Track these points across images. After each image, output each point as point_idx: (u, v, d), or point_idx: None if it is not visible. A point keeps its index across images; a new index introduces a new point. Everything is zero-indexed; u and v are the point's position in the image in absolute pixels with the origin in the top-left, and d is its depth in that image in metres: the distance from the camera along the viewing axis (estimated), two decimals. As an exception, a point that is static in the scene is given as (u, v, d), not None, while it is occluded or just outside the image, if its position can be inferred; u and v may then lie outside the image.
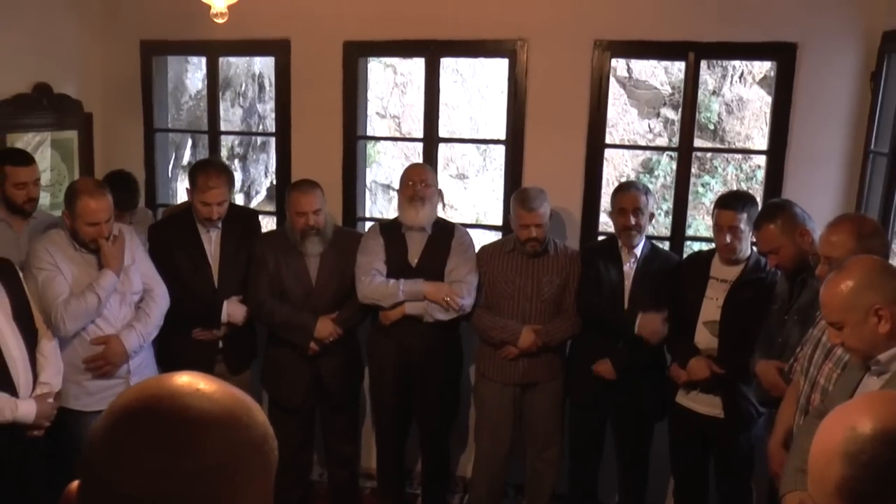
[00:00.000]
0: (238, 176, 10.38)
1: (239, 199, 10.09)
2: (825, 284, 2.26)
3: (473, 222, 8.10)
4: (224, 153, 9.97)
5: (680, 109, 4.28)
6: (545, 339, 3.80)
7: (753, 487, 3.69)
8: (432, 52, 4.27)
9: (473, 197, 10.77)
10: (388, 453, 4.17)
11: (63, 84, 4.36)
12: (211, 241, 3.88)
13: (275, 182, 4.71)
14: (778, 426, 2.98)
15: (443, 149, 11.24)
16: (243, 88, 9.92)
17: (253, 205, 9.44)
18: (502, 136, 4.33)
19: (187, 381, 0.92)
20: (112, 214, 3.43)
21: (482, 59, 9.89)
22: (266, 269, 3.87)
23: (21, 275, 3.25)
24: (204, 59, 4.69)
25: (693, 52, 4.01)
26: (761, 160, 4.14)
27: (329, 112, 4.40)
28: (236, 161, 10.42)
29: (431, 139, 4.40)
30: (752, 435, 3.54)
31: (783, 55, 3.92)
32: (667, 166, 10.41)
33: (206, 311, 3.83)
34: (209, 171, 3.75)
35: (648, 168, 10.74)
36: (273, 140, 4.65)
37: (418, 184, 3.86)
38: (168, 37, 4.54)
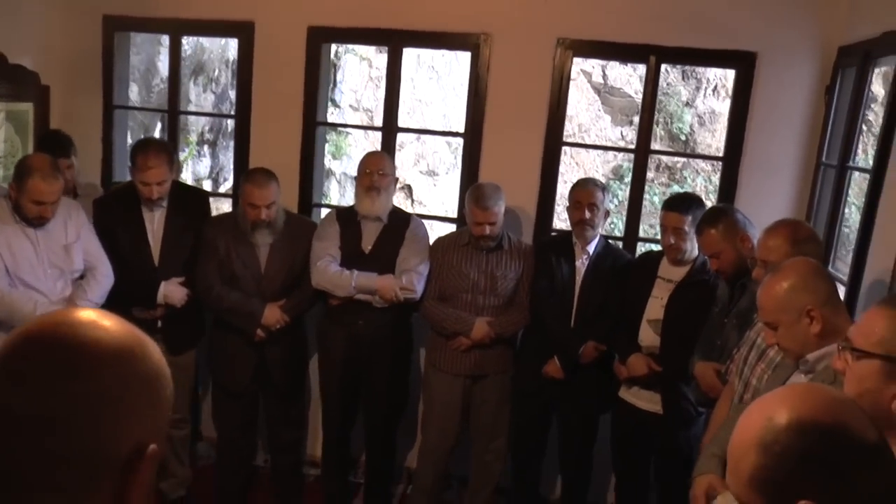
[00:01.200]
0: (206, 162, 10.31)
1: (207, 186, 10.02)
2: (762, 286, 2.30)
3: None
4: (193, 138, 9.99)
5: (639, 111, 4.30)
6: (498, 330, 3.82)
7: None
8: (395, 41, 4.26)
9: (443, 194, 10.77)
10: (334, 441, 4.15)
11: (19, 54, 4.28)
12: (153, 220, 3.84)
13: (233, 163, 4.66)
14: (712, 425, 3.02)
15: (415, 145, 11.10)
16: (216, 74, 9.86)
17: (221, 191, 9.38)
18: (461, 129, 4.33)
19: (89, 314, 0.98)
20: (60, 196, 3.40)
21: (458, 56, 9.92)
22: (216, 253, 3.84)
23: None
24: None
25: (654, 56, 4.04)
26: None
27: (290, 97, 4.38)
28: (206, 147, 10.34)
29: (391, 128, 4.39)
30: (692, 434, 3.58)
31: (742, 64, 3.96)
32: (637, 174, 10.46)
33: (144, 291, 3.79)
34: (148, 150, 3.70)
35: (619, 175, 10.79)
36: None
37: (375, 174, 3.85)
38: (132, 13, 4.49)
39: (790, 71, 3.91)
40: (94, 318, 0.97)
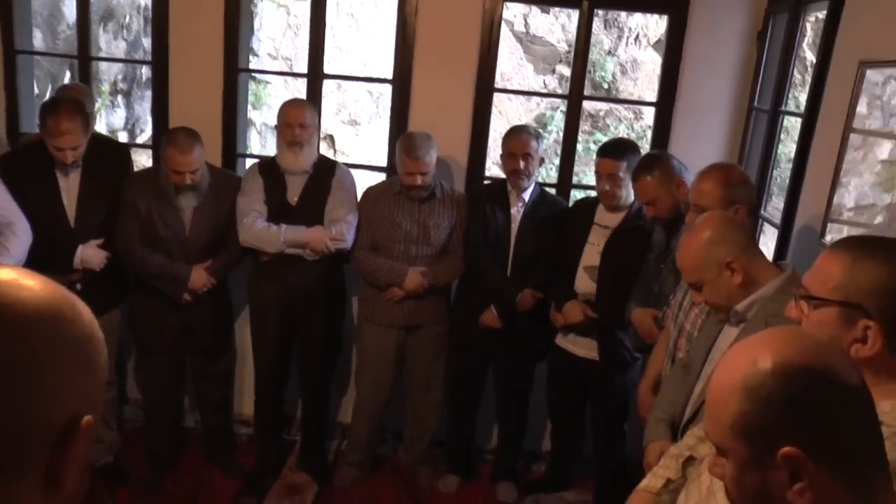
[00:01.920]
0: (121, 113, 9.87)
1: (122, 138, 9.60)
2: (679, 249, 2.29)
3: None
4: (106, 88, 9.54)
5: (571, 58, 4.23)
6: (431, 280, 3.76)
7: (627, 431, 3.76)
8: (321, -16, 4.08)
9: (365, 144, 10.61)
10: (269, 399, 4.05)
11: None
12: (68, 179, 3.57)
13: (150, 113, 4.42)
14: (648, 370, 3.04)
15: (335, 94, 10.81)
16: (127, 21, 9.40)
17: (139, 142, 9.01)
18: (389, 76, 4.19)
19: (8, 272, 0.87)
20: None
21: (378, 3, 9.69)
22: (137, 213, 3.63)
23: None
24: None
25: (587, 2, 3.96)
26: (651, 121, 4.15)
27: (209, 43, 4.15)
28: (119, 97, 9.89)
29: (316, 75, 4.22)
30: (627, 380, 3.60)
31: (675, 9, 3.93)
32: (560, 122, 10.47)
33: (60, 255, 3.53)
34: (59, 113, 3.37)
35: (542, 123, 10.79)
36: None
37: (296, 127, 3.68)
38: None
39: (722, 16, 3.90)
40: (16, 276, 0.86)
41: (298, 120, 3.69)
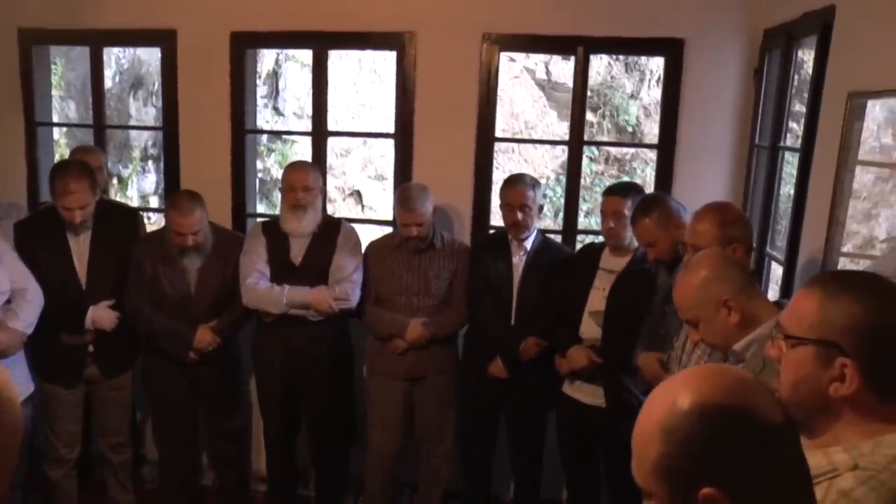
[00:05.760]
0: (152, 178, 10.11)
1: (153, 202, 9.85)
2: (675, 286, 2.28)
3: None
4: (136, 154, 9.80)
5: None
6: (433, 331, 3.76)
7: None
8: (320, 43, 4.18)
9: (391, 198, 10.70)
10: (278, 456, 4.06)
11: (-69, 73, 4.14)
12: (79, 243, 3.67)
13: (162, 179, 4.54)
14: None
15: (362, 150, 10.98)
16: (156, 87, 9.68)
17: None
18: (391, 130, 4.25)
19: None
20: None
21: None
22: (144, 274, 3.71)
23: None
24: (113, 54, 4.53)
25: (582, 47, 4.00)
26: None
27: (217, 105, 4.27)
28: (150, 163, 10.14)
29: (320, 134, 4.29)
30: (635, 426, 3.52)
31: (671, 51, 3.94)
32: (587, 167, 10.47)
33: (71, 316, 3.62)
34: (68, 174, 3.51)
35: (566, 169, 10.77)
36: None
37: (300, 191, 3.73)
38: (48, 25, 4.34)
39: (719, 56, 3.90)
40: None
41: (301, 183, 3.73)
